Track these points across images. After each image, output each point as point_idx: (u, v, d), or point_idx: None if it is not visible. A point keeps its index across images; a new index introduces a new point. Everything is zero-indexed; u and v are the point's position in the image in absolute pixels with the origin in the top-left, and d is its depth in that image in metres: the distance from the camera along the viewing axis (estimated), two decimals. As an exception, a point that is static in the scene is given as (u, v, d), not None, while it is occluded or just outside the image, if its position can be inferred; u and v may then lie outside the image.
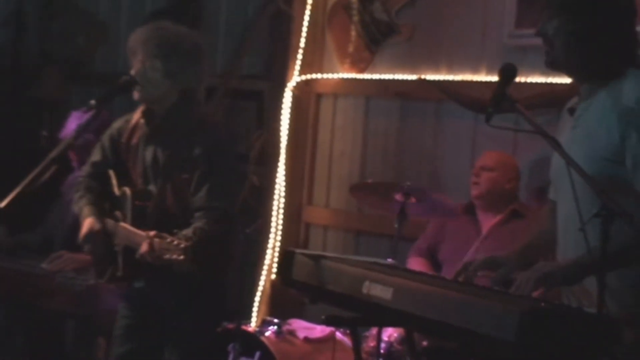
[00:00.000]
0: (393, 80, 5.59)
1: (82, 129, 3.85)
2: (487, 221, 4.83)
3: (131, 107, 4.17)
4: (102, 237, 3.91)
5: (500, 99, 3.15)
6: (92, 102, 3.80)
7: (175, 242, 3.40)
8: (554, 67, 3.30)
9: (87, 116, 3.91)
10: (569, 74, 3.36)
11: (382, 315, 3.21)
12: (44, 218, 5.40)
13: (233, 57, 6.28)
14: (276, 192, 5.88)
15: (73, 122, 5.05)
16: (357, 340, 3.52)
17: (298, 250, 3.55)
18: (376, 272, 3.21)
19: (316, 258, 3.46)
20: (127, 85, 3.88)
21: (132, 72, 3.90)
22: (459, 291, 2.89)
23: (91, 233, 3.88)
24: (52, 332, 5.07)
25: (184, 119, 3.86)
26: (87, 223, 3.91)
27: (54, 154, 3.70)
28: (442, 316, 2.88)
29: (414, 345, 3.65)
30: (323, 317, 3.39)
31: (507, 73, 3.19)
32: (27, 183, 3.60)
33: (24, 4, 7.62)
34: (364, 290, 3.18)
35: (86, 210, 3.99)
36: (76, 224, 5.01)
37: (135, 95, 3.90)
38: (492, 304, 2.73)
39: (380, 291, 3.12)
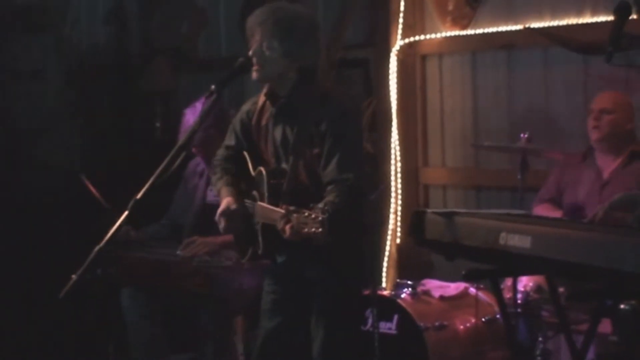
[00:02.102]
0: (497, 33, 5.58)
1: (206, 114, 3.92)
2: (607, 165, 4.80)
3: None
4: (241, 217, 3.99)
5: (618, 37, 3.14)
6: (213, 87, 3.87)
7: (313, 216, 3.45)
8: None
9: (207, 102, 3.97)
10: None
11: (522, 264, 3.25)
12: (167, 207, 5.50)
13: (335, 28, 6.32)
14: (392, 157, 5.93)
15: (190, 119, 5.14)
16: (498, 292, 3.55)
17: (429, 210, 3.59)
18: (512, 222, 3.25)
19: (448, 215, 3.50)
20: (245, 67, 3.95)
21: (250, 52, 3.97)
22: (600, 232, 2.91)
23: (228, 210, 3.96)
24: (190, 315, 5.21)
25: (307, 96, 3.91)
26: (225, 202, 4.01)
27: (181, 141, 3.77)
28: (584, 258, 2.91)
29: (556, 292, 3.66)
30: (463, 272, 3.45)
31: (623, 11, 3.18)
32: (159, 173, 3.67)
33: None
34: (501, 241, 3.21)
35: (224, 190, 4.08)
36: (205, 208, 5.17)
37: (254, 75, 3.96)
38: (636, 242, 2.74)
39: (518, 240, 3.15)
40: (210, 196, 5.14)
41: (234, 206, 3.97)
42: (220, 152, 4.26)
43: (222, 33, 7.39)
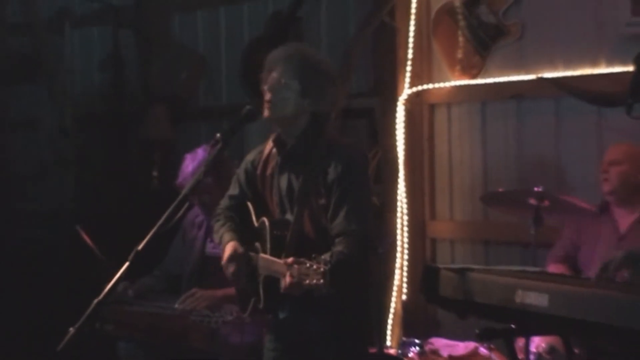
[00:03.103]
0: (508, 83, 5.58)
1: (210, 163, 3.91)
2: (624, 219, 4.78)
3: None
4: (244, 268, 3.97)
5: (639, 88, 3.14)
6: (218, 135, 3.86)
7: (315, 267, 3.44)
8: None
9: (212, 151, 3.96)
10: None
11: (539, 324, 3.20)
12: (159, 258, 5.47)
13: (339, 76, 6.31)
14: (398, 209, 5.90)
15: (189, 165, 5.14)
16: (513, 352, 3.51)
17: (442, 266, 3.56)
18: (528, 280, 3.21)
19: (461, 271, 3.46)
20: (252, 115, 3.94)
21: (265, 86, 3.96)
22: (620, 290, 2.88)
23: (235, 254, 3.94)
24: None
25: (316, 144, 3.91)
26: (230, 246, 3.98)
27: (185, 190, 3.78)
28: (604, 318, 2.87)
29: (572, 353, 3.62)
30: (477, 331, 3.40)
31: (643, 61, 3.18)
32: (162, 222, 3.66)
33: (121, 46, 7.76)
34: (517, 299, 3.17)
35: (227, 236, 4.06)
36: (204, 260, 5.14)
37: (265, 112, 3.96)
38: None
39: (535, 298, 3.11)
40: (210, 248, 5.12)
41: (240, 249, 3.95)
42: (224, 202, 4.25)
43: (223, 81, 7.40)
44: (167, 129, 7.41)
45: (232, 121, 3.95)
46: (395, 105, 5.93)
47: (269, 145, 4.07)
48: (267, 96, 3.94)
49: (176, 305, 4.86)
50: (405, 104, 5.93)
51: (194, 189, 3.78)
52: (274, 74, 3.95)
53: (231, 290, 4.42)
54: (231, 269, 3.96)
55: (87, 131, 7.67)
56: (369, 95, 6.37)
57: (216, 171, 4.83)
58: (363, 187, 3.92)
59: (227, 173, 4.68)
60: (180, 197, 3.70)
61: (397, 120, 5.91)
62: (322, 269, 3.41)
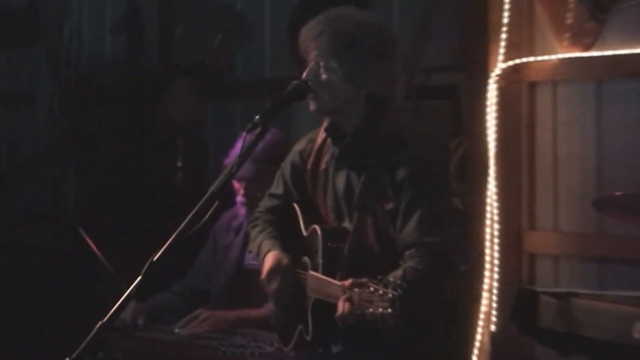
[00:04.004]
0: (631, 56, 5.53)
1: (245, 155, 3.94)
2: None
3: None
4: (290, 285, 3.99)
5: None
6: (256, 118, 3.89)
7: (381, 292, 3.44)
8: None
9: (248, 138, 3.99)
10: None
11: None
12: (178, 270, 5.51)
13: (414, 44, 6.33)
14: (488, 216, 5.88)
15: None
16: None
17: (541, 289, 3.56)
18: (651, 309, 3.21)
19: (566, 297, 3.47)
20: (300, 93, 3.97)
21: (304, 75, 3.99)
22: None
23: (279, 266, 3.96)
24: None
25: (380, 134, 3.92)
26: (272, 256, 4.01)
27: (214, 187, 3.80)
28: None
29: None
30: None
31: None
32: (183, 227, 3.69)
33: (138, 3, 7.82)
34: (636, 334, 3.18)
35: (268, 244, 4.09)
36: (240, 273, 5.18)
37: (311, 105, 3.99)
38: None
39: (659, 334, 3.12)
40: (249, 258, 5.15)
41: (285, 260, 3.97)
42: (264, 202, 4.28)
43: (267, 48, 7.43)
44: (193, 109, 7.46)
45: (275, 100, 3.97)
46: (485, 83, 5.91)
47: (323, 133, 4.08)
48: (309, 86, 3.97)
49: (176, 330, 4.92)
50: (498, 82, 5.91)
51: (223, 186, 3.80)
52: (311, 57, 3.98)
53: (249, 313, 4.46)
54: (274, 285, 3.99)
55: (94, 110, 7.74)
56: (452, 70, 6.38)
57: (275, 158, 4.82)
58: (442, 187, 3.95)
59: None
60: (207, 194, 3.72)
61: (488, 103, 5.89)
62: (390, 295, 3.41)
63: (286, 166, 4.24)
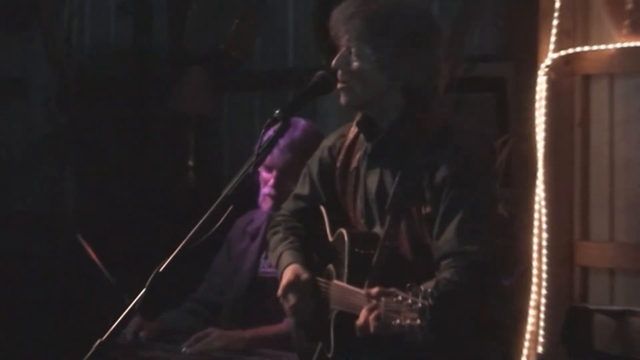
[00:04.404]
0: (700, 47, 5.53)
1: (264, 152, 3.93)
2: None
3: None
4: (309, 301, 3.99)
5: None
6: (277, 112, 3.89)
7: (410, 301, 3.42)
8: None
9: (267, 133, 3.99)
10: None
11: None
12: (188, 284, 5.53)
13: (455, 32, 6.32)
14: (535, 224, 5.87)
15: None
16: None
17: (595, 307, 3.55)
18: None
19: (623, 315, 3.46)
20: (326, 85, 3.97)
21: (333, 62, 3.98)
22: None
23: (297, 281, 3.97)
24: None
25: (418, 130, 3.92)
26: (290, 270, 4.01)
27: (228, 189, 3.80)
28: None
29: None
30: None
31: None
32: (194, 233, 3.69)
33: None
34: (703, 358, 3.17)
35: (288, 256, 4.10)
36: (255, 284, 5.18)
37: (342, 97, 3.99)
38: None
39: None
40: (265, 265, 5.16)
41: (305, 276, 3.98)
42: (287, 205, 4.28)
43: (290, 34, 7.44)
44: (207, 101, 7.47)
45: (299, 92, 3.97)
46: (534, 75, 5.90)
47: (354, 128, 4.08)
48: (339, 76, 3.96)
49: (183, 349, 4.92)
50: (548, 74, 5.89)
51: (239, 188, 3.79)
52: (342, 43, 3.97)
53: (268, 330, 4.48)
54: (291, 301, 3.99)
55: (96, 102, 7.76)
56: (498, 60, 6.38)
57: (307, 148, 4.78)
58: (485, 191, 3.93)
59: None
60: (221, 197, 3.73)
61: (537, 97, 5.87)
62: (419, 305, 3.39)
63: (313, 163, 4.24)
